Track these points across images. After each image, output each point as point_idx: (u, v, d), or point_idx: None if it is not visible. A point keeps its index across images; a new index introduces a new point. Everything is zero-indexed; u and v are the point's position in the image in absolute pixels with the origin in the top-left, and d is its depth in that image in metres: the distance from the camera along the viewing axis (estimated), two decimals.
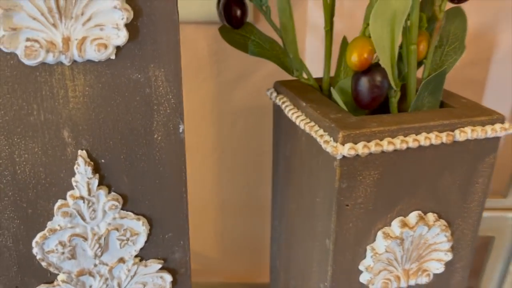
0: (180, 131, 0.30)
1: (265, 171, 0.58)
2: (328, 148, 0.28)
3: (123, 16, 0.25)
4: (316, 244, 0.33)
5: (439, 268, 0.34)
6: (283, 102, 0.35)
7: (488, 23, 0.50)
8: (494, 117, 0.31)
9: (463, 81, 0.51)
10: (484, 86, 0.53)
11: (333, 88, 0.32)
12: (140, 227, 0.31)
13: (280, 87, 0.37)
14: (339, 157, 0.28)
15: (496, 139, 0.31)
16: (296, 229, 0.37)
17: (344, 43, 0.35)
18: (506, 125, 0.31)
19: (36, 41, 0.24)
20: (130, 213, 0.30)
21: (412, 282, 0.34)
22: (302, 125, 0.32)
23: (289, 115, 0.34)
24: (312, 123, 0.31)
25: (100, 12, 0.25)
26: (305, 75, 0.37)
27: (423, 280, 0.34)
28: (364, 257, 0.32)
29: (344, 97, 0.32)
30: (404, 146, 0.29)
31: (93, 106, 0.27)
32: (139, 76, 0.28)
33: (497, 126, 0.31)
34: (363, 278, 0.33)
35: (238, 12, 0.36)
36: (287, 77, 0.38)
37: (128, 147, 0.29)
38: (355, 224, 0.31)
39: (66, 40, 0.25)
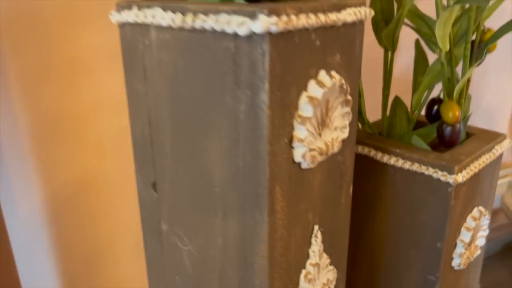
0: (351, 191, 0.39)
1: None
2: (450, 179, 0.41)
3: (350, 117, 0.33)
4: (425, 249, 0.46)
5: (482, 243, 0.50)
6: (369, 151, 0.46)
7: None
8: (503, 137, 0.48)
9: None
10: None
11: (415, 136, 0.45)
12: (334, 275, 0.38)
13: None
14: (455, 184, 0.42)
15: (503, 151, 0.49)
16: (385, 243, 0.48)
17: (396, 101, 0.48)
18: (508, 140, 0.49)
19: (314, 149, 0.30)
20: (331, 266, 0.38)
21: (472, 258, 0.49)
22: (406, 166, 0.44)
23: (384, 160, 0.45)
24: (417, 164, 0.43)
25: (337, 117, 0.33)
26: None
27: (478, 252, 0.50)
28: (455, 246, 0.46)
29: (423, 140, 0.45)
30: (482, 166, 0.44)
31: (321, 190, 0.34)
32: (341, 157, 0.36)
33: (506, 141, 0.48)
34: (455, 263, 0.46)
35: None
36: None
37: (331, 214, 0.36)
38: (454, 226, 0.44)
39: (327, 144, 0.32)
